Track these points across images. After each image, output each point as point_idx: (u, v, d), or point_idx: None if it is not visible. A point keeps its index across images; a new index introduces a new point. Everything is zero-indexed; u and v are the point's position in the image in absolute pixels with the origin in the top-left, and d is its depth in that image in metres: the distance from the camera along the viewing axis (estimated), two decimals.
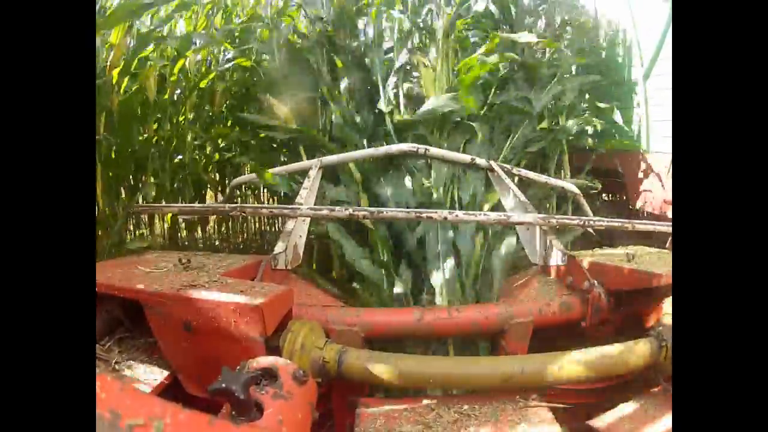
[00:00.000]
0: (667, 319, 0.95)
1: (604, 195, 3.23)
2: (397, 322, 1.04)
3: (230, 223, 3.22)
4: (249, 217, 3.24)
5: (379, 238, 1.52)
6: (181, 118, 2.33)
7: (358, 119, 1.97)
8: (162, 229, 2.62)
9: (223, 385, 0.56)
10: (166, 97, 2.12)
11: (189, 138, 2.29)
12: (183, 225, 2.68)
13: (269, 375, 0.66)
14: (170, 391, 0.85)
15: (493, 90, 2.14)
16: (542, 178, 1.97)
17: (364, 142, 1.95)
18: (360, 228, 1.64)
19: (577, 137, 2.43)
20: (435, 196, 1.69)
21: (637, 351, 0.88)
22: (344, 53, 2.13)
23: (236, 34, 2.46)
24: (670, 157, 2.32)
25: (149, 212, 2.15)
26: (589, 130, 2.40)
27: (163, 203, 2.21)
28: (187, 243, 2.68)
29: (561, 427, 0.78)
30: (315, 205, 1.55)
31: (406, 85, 2.08)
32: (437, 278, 1.42)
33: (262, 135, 2.32)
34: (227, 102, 2.60)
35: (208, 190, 2.93)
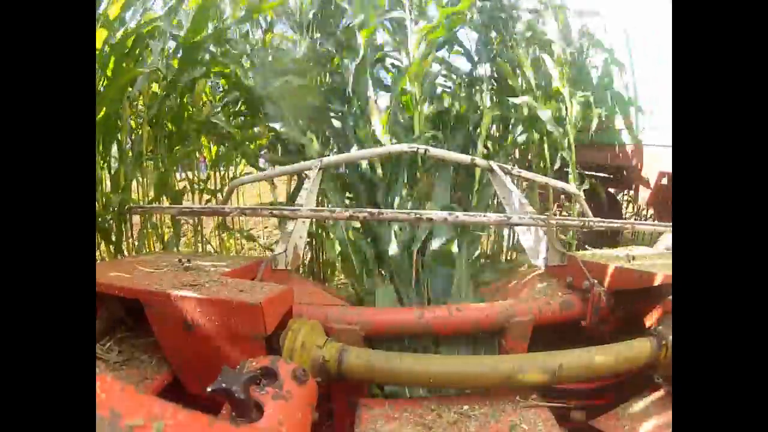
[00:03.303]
0: (667, 319, 0.95)
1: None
2: (398, 320, 1.05)
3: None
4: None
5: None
6: None
7: None
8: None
9: (223, 384, 0.56)
10: None
11: None
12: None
13: (269, 375, 0.66)
14: (170, 391, 0.85)
15: None
16: (542, 178, 1.97)
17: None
18: None
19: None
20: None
21: (637, 351, 0.88)
22: None
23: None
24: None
25: (149, 212, 2.15)
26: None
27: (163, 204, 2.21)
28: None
29: (561, 427, 0.78)
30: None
31: None
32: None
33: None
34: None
35: None
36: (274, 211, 1.39)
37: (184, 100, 2.28)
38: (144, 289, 0.81)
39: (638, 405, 0.89)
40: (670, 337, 0.89)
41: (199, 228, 2.76)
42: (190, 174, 2.86)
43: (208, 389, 0.56)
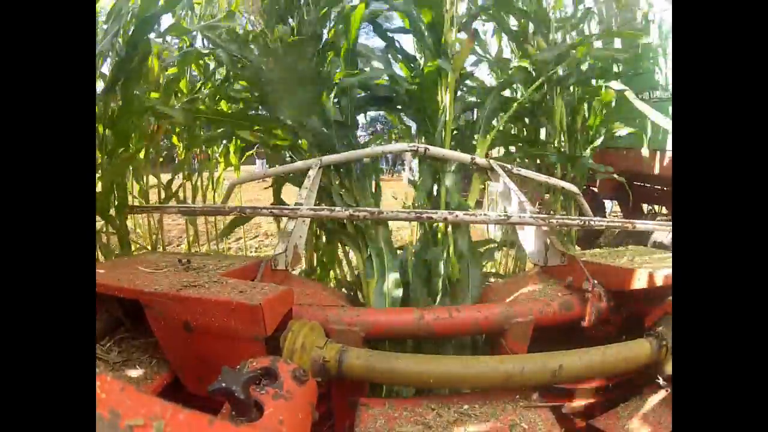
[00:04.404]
0: (667, 319, 0.95)
1: None
2: (398, 321, 1.05)
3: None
4: None
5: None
6: None
7: None
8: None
9: (223, 384, 0.56)
10: None
11: None
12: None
13: (269, 375, 0.66)
14: (170, 391, 0.85)
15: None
16: (542, 177, 1.97)
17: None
18: None
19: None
20: None
21: (637, 351, 0.88)
22: None
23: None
24: None
25: (149, 212, 2.14)
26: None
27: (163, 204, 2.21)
28: None
29: (561, 427, 0.78)
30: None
31: None
32: None
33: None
34: None
35: None
36: (274, 211, 1.39)
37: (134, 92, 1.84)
38: (144, 290, 0.81)
39: (638, 405, 0.89)
40: (670, 337, 0.89)
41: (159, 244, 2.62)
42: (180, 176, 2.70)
43: (209, 389, 0.56)
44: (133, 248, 2.17)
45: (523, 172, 1.90)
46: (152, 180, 2.65)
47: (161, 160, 2.83)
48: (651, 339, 0.91)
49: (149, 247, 2.71)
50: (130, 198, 2.31)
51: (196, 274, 0.95)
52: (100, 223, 1.87)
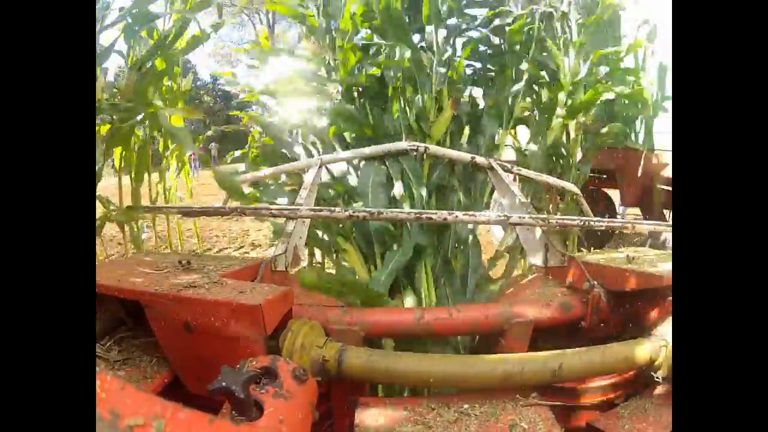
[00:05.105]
0: (667, 319, 0.95)
1: None
2: (397, 321, 1.05)
3: None
4: None
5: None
6: None
7: None
8: None
9: (223, 384, 0.56)
10: None
11: None
12: None
13: (269, 374, 0.66)
14: (170, 391, 0.85)
15: None
16: (542, 177, 1.97)
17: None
18: None
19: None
20: None
21: (637, 351, 0.88)
22: None
23: None
24: None
25: (149, 212, 2.14)
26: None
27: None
28: None
29: (561, 427, 0.78)
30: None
31: None
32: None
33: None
34: None
35: None
36: (274, 211, 1.39)
37: None
38: (144, 291, 0.81)
39: (638, 405, 0.89)
40: (670, 337, 0.89)
41: None
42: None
43: (208, 388, 0.56)
44: None
45: (524, 171, 1.90)
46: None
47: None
48: (651, 339, 0.91)
49: None
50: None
51: (197, 274, 0.95)
52: None
